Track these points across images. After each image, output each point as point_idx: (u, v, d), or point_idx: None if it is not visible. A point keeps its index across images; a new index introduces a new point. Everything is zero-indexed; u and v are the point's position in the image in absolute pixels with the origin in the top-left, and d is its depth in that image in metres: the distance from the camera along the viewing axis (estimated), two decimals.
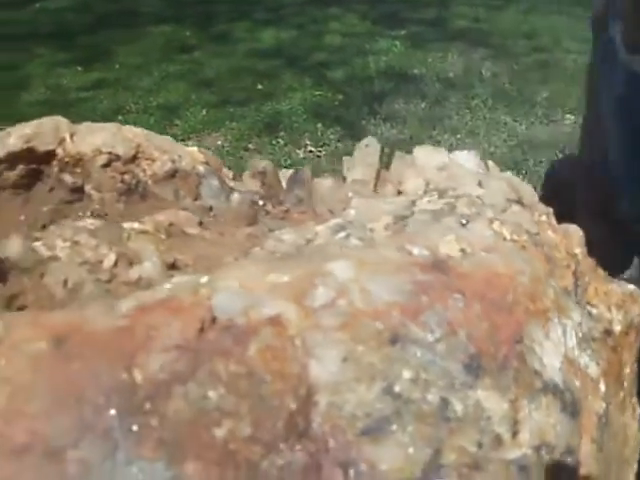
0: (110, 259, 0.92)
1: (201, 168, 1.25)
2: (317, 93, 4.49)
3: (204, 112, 4.42)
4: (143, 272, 0.91)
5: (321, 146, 3.85)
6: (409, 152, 1.26)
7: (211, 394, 0.71)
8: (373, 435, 0.71)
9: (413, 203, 1.00)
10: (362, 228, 0.93)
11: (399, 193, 1.09)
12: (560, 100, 3.85)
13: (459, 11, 5.18)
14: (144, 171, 1.24)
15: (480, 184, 1.02)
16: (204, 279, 0.81)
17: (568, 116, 3.74)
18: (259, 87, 4.69)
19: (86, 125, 1.30)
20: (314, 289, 0.76)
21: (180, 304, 0.76)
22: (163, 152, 1.25)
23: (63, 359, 0.75)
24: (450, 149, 1.28)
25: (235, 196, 1.10)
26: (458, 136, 3.79)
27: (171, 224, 1.03)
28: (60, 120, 1.28)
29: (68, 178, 1.23)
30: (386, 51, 4.63)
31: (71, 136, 1.25)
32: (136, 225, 1.05)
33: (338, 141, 3.84)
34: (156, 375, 0.72)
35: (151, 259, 0.92)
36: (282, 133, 4.03)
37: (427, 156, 1.12)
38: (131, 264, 0.93)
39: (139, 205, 1.21)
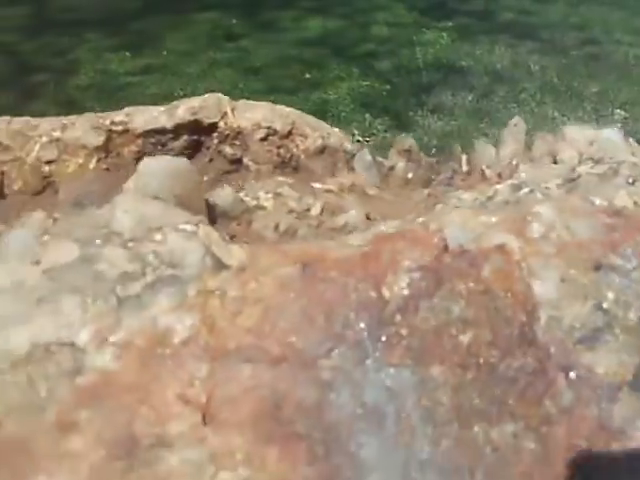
0: (317, 208, 1.05)
1: (348, 145, 1.38)
2: (364, 83, 4.57)
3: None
4: (349, 219, 1.04)
5: (368, 136, 3.89)
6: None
7: (454, 307, 0.84)
8: (589, 344, 0.84)
9: (573, 169, 1.13)
10: (539, 186, 1.06)
11: (555, 162, 1.22)
12: (610, 95, 3.92)
13: (506, 3, 5.25)
14: (297, 146, 1.37)
15: (633, 154, 1.16)
16: (420, 220, 0.94)
17: (618, 111, 3.80)
18: (307, 76, 4.76)
19: (244, 102, 1.43)
20: (529, 224, 0.90)
21: (416, 234, 0.89)
22: (314, 130, 1.38)
23: (310, 281, 0.88)
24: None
25: (400, 165, 1.23)
26: None
27: (353, 184, 1.16)
28: (222, 96, 1.41)
29: (228, 150, 1.36)
30: (433, 42, 4.73)
31: (232, 111, 1.38)
32: (319, 185, 1.18)
33: (385, 131, 3.85)
34: (403, 292, 0.85)
35: (355, 208, 1.05)
36: (330, 122, 4.13)
37: (576, 132, 1.25)
38: (333, 213, 1.06)
39: (293, 176, 1.35)
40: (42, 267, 0.87)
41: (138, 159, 1.35)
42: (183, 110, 1.33)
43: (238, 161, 1.38)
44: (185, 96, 4.86)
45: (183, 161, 1.06)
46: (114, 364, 0.81)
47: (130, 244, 0.88)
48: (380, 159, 1.35)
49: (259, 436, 0.78)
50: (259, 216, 1.04)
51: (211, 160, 1.38)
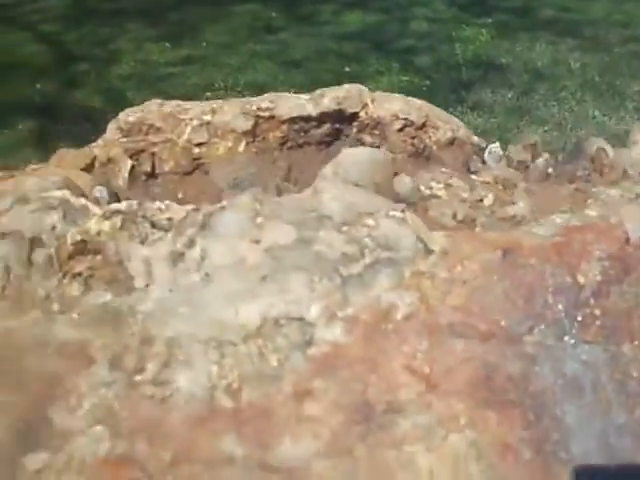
0: (489, 198, 1.13)
1: (475, 138, 1.46)
2: (404, 78, 4.63)
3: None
4: (518, 210, 1.12)
5: None
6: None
7: None
8: None
9: None
10: None
11: None
12: None
13: (547, 0, 5.30)
14: (430, 137, 1.45)
15: None
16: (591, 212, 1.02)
17: None
18: (346, 69, 4.83)
19: (382, 94, 1.51)
20: None
21: (599, 227, 0.98)
22: (445, 122, 1.46)
23: (511, 266, 0.96)
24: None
25: (540, 161, 1.31)
26: (545, 128, 3.86)
27: (506, 179, 1.24)
28: (363, 87, 1.49)
29: (367, 138, 1.44)
30: (473, 39, 4.79)
31: (372, 101, 1.46)
32: (474, 177, 1.26)
33: None
34: (597, 278, 0.93)
35: (523, 200, 1.13)
36: None
37: None
38: (503, 204, 1.14)
39: (426, 166, 1.43)
40: (262, 246, 0.95)
41: (282, 144, 1.44)
42: (329, 99, 1.40)
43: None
44: (226, 87, 4.93)
45: (382, 151, 1.14)
46: (344, 337, 0.89)
47: (344, 228, 0.96)
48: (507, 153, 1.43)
49: (478, 403, 0.87)
50: (434, 204, 1.12)
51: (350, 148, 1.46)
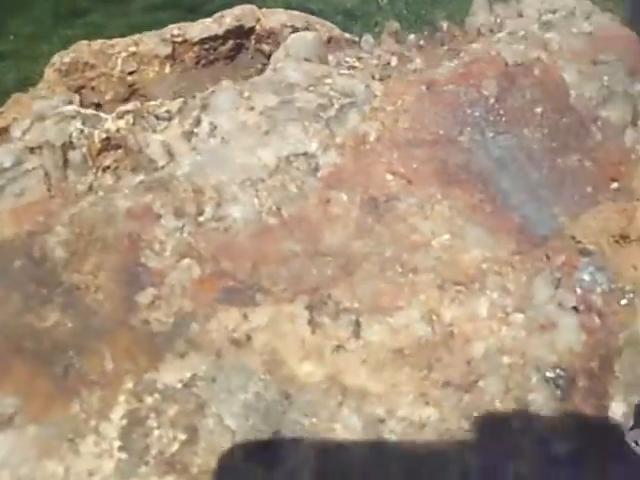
0: (394, 60, 1.47)
1: (347, 35, 1.79)
2: None
3: None
4: (418, 65, 1.47)
5: None
6: None
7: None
8: None
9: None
10: (530, 30, 1.55)
11: None
12: None
13: None
14: None
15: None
16: None
17: None
18: None
19: (267, 10, 1.79)
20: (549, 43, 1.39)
21: (485, 59, 1.35)
22: (322, 25, 1.77)
23: (434, 94, 1.31)
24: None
25: (412, 37, 1.67)
26: None
27: (392, 50, 1.58)
28: (253, 6, 1.76)
29: (265, 47, 1.73)
30: None
31: (263, 16, 1.74)
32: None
33: None
34: (495, 89, 1.30)
35: (419, 57, 1.48)
36: None
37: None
38: (405, 63, 1.48)
39: None
40: (257, 111, 1.22)
41: (197, 63, 1.67)
42: (229, 19, 1.66)
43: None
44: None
45: (317, 34, 1.42)
46: (339, 160, 1.19)
47: (311, 88, 1.25)
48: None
49: (443, 184, 1.20)
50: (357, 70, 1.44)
51: (252, 57, 1.73)
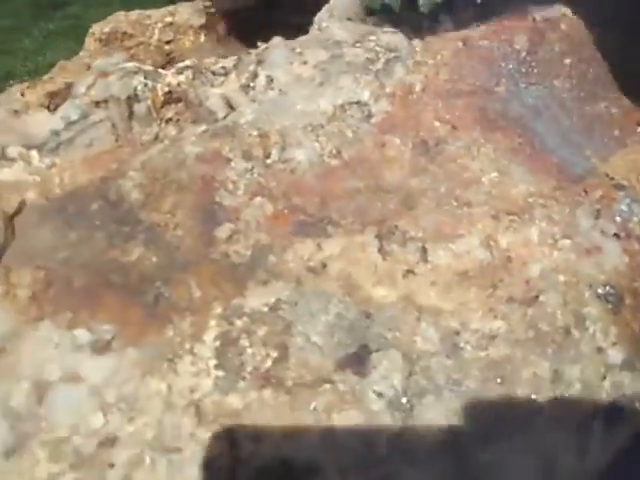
0: None
1: None
2: None
3: None
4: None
5: None
6: None
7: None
8: None
9: None
10: None
11: None
12: None
13: None
14: None
15: None
16: None
17: None
18: None
19: None
20: None
21: (514, 18, 1.44)
22: None
23: (470, 48, 1.40)
24: None
25: None
26: None
27: None
28: None
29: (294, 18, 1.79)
30: None
31: None
32: None
33: None
34: (526, 44, 1.40)
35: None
36: None
37: None
38: None
39: None
40: (310, 65, 1.29)
41: (229, 33, 1.74)
42: None
43: None
44: (29, 72, 4.85)
45: None
46: (390, 107, 1.27)
47: (357, 44, 1.33)
48: None
49: (484, 129, 1.29)
50: None
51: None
